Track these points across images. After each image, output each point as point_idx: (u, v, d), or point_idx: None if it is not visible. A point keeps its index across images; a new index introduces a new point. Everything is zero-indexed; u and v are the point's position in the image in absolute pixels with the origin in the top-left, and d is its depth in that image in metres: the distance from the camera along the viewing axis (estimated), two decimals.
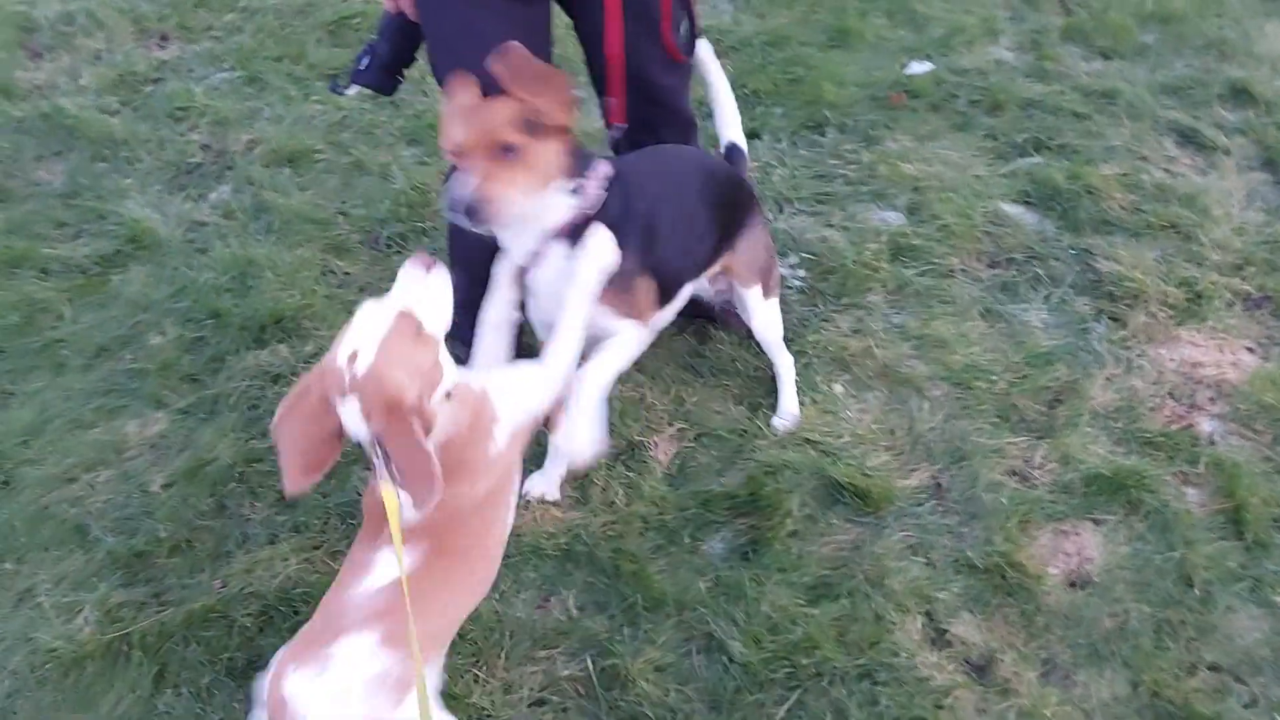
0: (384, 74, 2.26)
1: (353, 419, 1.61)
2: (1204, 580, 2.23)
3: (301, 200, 3.16)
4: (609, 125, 2.06)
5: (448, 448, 1.69)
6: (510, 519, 1.91)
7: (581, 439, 1.97)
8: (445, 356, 1.72)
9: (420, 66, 2.29)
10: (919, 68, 3.64)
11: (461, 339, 2.56)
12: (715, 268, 2.35)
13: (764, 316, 2.48)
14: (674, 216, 2.14)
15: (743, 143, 2.49)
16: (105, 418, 2.55)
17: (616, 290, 2.01)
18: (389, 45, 2.23)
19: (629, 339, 2.07)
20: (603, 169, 2.01)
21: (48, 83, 3.69)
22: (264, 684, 1.71)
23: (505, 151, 1.84)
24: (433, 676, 1.81)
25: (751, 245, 2.38)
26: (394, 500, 1.59)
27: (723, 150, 2.48)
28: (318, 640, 1.62)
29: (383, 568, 1.67)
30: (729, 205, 2.32)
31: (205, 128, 3.48)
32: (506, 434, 1.83)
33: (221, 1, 4.10)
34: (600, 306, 2.00)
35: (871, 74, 3.58)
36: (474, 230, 1.88)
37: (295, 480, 1.62)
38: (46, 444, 2.48)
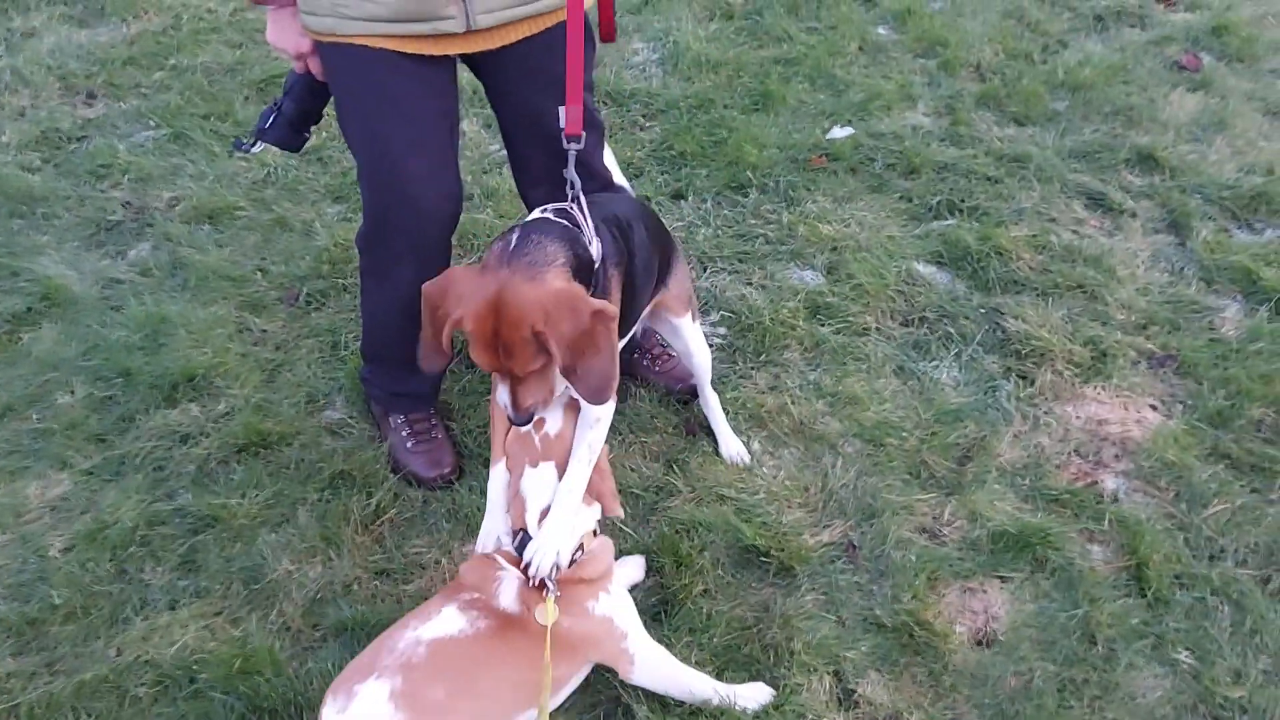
0: (290, 130, 2.28)
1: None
2: (1107, 638, 2.26)
3: (219, 257, 3.15)
4: (567, 139, 2.02)
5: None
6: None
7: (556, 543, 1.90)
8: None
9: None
10: (840, 133, 3.73)
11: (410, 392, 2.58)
12: (649, 305, 2.36)
13: (698, 340, 2.51)
14: (642, 259, 2.15)
15: (628, 186, 2.55)
16: (6, 479, 2.49)
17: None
18: (294, 103, 2.25)
19: (607, 415, 2.00)
20: (595, 248, 1.97)
21: None
22: None
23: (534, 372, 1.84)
24: None
25: (680, 279, 2.42)
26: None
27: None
28: (355, 674, 1.66)
29: (438, 622, 1.71)
30: (661, 245, 2.33)
31: (127, 185, 3.46)
32: (605, 609, 1.92)
33: (151, 59, 4.10)
34: None
35: (792, 137, 3.66)
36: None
37: None
38: None
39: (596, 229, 1.98)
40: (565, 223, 1.94)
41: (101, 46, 4.15)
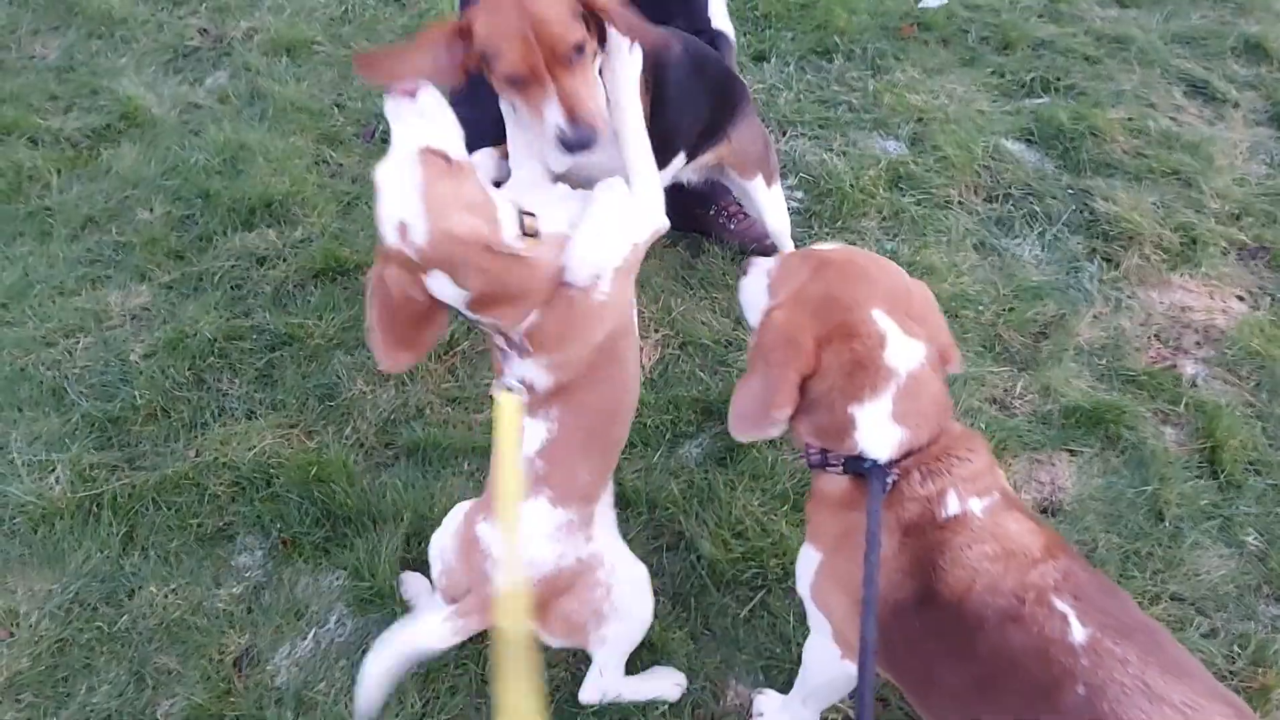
0: None
1: (445, 289, 1.49)
2: (1175, 516, 2.24)
3: (298, 90, 3.12)
4: None
5: (552, 312, 1.60)
6: (637, 347, 1.80)
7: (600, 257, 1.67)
8: (489, 180, 1.63)
9: None
10: (934, 2, 3.58)
11: None
12: (708, 156, 2.31)
13: (772, 205, 2.45)
14: (678, 77, 2.02)
15: (730, 32, 2.44)
16: (88, 287, 2.53)
17: None
18: None
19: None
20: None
21: None
22: (439, 540, 1.74)
23: (577, 54, 1.58)
24: (606, 503, 1.79)
25: (747, 137, 2.34)
26: (510, 403, 1.58)
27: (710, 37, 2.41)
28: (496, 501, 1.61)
29: (529, 435, 1.65)
30: (721, 94, 2.25)
31: (205, 13, 3.42)
32: (609, 278, 1.65)
33: None
34: None
35: (884, 3, 3.53)
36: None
37: (391, 358, 1.57)
38: (28, 308, 2.46)
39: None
40: None
41: None
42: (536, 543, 1.65)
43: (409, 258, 1.44)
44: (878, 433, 1.45)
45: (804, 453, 1.57)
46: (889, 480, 1.45)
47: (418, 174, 1.42)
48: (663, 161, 2.04)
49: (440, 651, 1.68)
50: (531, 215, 1.59)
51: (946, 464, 1.46)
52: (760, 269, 1.66)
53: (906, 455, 1.47)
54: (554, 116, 1.58)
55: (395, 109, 1.48)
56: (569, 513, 1.68)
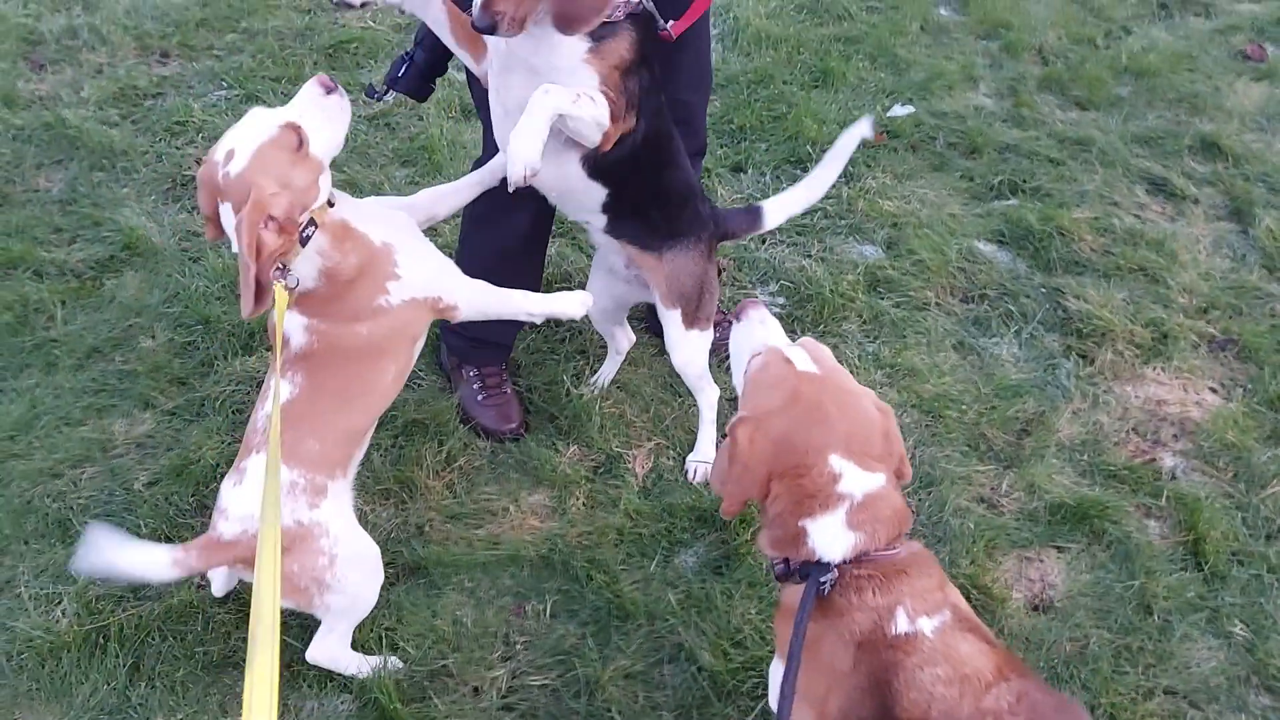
0: (420, 81, 2.33)
1: (226, 218, 1.78)
2: (1163, 609, 2.29)
3: None
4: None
5: (330, 280, 1.87)
6: (398, 386, 2.07)
7: (520, 149, 1.85)
8: (326, 184, 1.87)
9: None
10: (900, 110, 3.75)
11: (492, 340, 2.60)
12: (633, 251, 2.32)
13: (681, 346, 2.39)
14: (649, 125, 2.10)
15: (768, 217, 2.50)
16: (94, 416, 2.59)
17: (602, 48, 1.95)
18: (426, 53, 2.29)
19: (595, 94, 1.94)
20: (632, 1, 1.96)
21: (50, 94, 3.75)
22: None
23: None
24: (343, 493, 1.99)
25: (682, 267, 2.31)
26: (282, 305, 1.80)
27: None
28: (239, 460, 1.94)
29: (271, 397, 1.84)
30: (674, 201, 2.29)
31: (202, 142, 3.55)
32: (404, 295, 1.95)
33: (223, 22, 4.18)
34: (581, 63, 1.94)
35: (852, 113, 3.69)
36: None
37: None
38: (35, 440, 2.51)
39: (642, 8, 1.97)
40: None
41: (176, 8, 4.24)
42: (254, 493, 1.79)
43: (215, 178, 1.76)
44: (830, 537, 1.54)
45: (770, 564, 1.65)
46: (827, 579, 1.51)
47: (272, 134, 1.76)
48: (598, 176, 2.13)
49: (152, 581, 1.99)
50: (332, 206, 1.90)
51: (898, 579, 1.53)
52: (751, 327, 1.80)
53: (861, 559, 1.53)
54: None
55: (310, 90, 1.84)
56: (293, 474, 1.86)
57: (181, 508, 2.39)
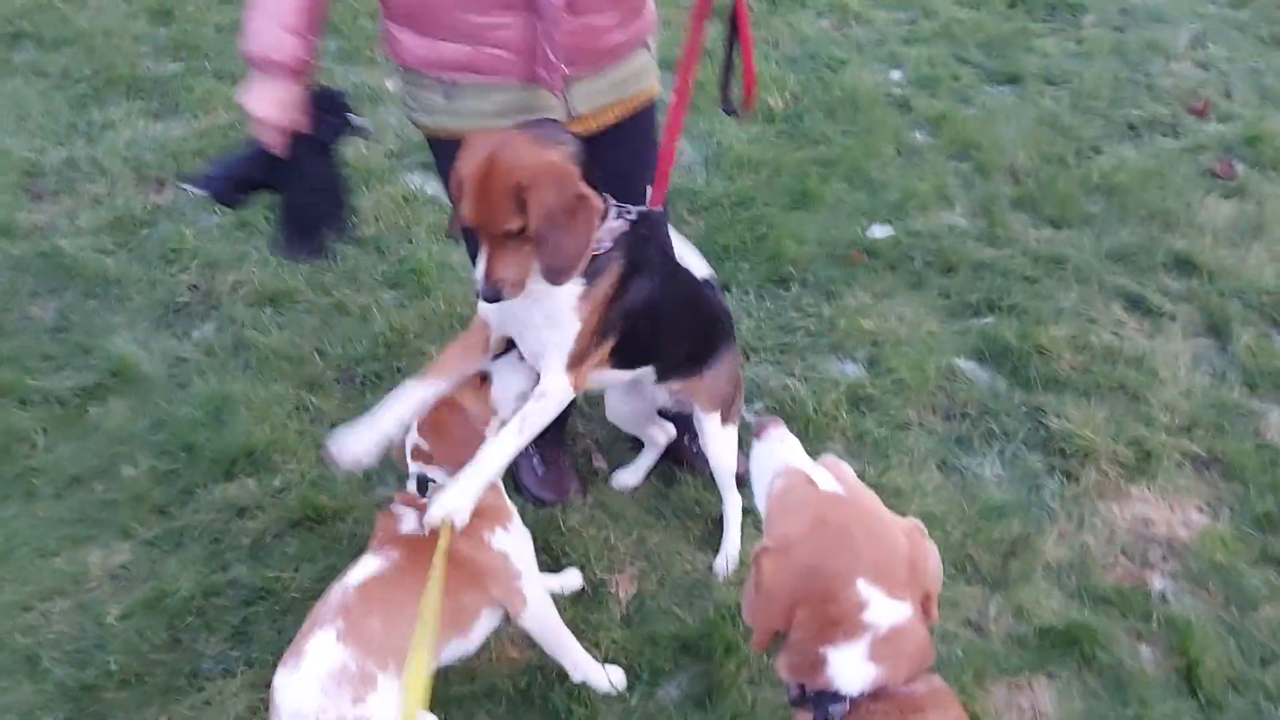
0: (235, 192, 2.12)
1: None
2: None
3: (280, 339, 3.26)
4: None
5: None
6: (479, 627, 2.06)
7: (451, 503, 1.90)
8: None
9: None
10: (880, 231, 3.84)
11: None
12: (676, 384, 2.44)
13: (720, 445, 2.52)
14: (665, 301, 2.19)
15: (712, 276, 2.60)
16: (70, 547, 2.57)
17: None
18: (249, 167, 2.08)
19: (553, 396, 2.03)
20: (616, 225, 2.04)
21: (47, 224, 3.83)
22: None
23: (510, 236, 1.84)
24: (393, 687, 1.75)
25: (723, 374, 2.47)
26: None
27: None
28: (300, 637, 1.76)
29: (359, 569, 1.85)
30: (709, 333, 2.45)
31: (195, 269, 3.61)
32: (502, 547, 2.04)
33: (218, 152, 4.30)
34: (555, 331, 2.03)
35: (830, 233, 3.77)
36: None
37: None
38: (8, 571, 2.49)
39: (628, 226, 2.06)
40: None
41: (174, 139, 4.36)
42: (306, 682, 1.65)
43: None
44: (850, 667, 1.47)
45: (786, 689, 1.60)
46: (836, 710, 1.46)
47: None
48: (630, 367, 2.28)
49: None
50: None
51: (913, 718, 1.48)
52: (772, 446, 1.71)
53: (878, 693, 1.49)
54: (479, 267, 1.89)
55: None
56: (351, 658, 1.68)
57: (154, 643, 2.35)
